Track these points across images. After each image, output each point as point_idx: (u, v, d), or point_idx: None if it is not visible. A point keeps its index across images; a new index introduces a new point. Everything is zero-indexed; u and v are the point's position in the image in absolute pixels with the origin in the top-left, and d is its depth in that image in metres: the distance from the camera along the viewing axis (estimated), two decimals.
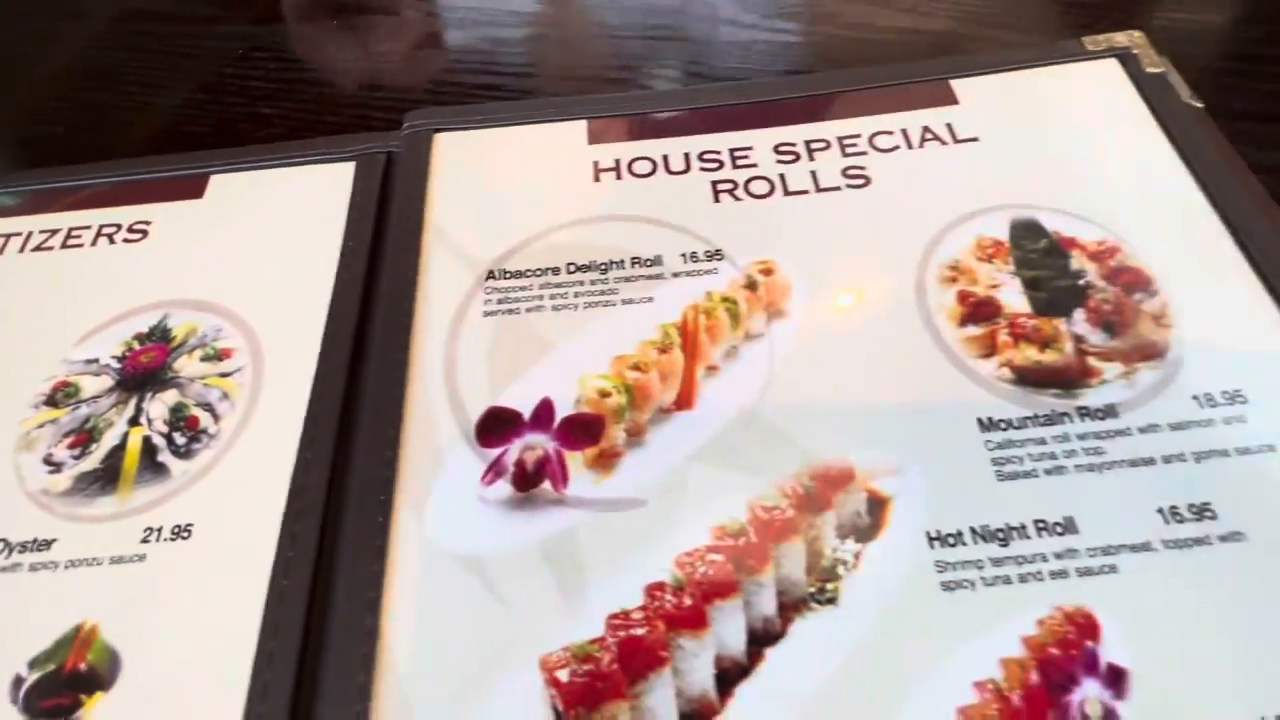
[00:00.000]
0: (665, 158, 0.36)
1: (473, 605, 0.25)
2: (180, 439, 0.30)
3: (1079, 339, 0.29)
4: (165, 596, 0.26)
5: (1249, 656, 0.23)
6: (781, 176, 0.35)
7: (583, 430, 0.28)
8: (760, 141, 0.36)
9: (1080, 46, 0.37)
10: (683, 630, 0.24)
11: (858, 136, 0.36)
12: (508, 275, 0.32)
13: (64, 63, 0.49)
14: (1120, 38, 0.37)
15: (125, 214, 0.36)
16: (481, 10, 0.49)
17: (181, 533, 0.27)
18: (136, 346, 0.32)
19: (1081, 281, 0.30)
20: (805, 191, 0.34)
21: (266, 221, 0.35)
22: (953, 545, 0.25)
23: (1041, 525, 0.25)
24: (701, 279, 0.32)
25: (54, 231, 0.36)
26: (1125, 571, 0.24)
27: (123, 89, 0.47)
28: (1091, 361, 0.29)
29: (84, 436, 0.30)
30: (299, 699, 0.24)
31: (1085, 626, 0.24)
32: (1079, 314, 0.30)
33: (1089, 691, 0.23)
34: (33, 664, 0.25)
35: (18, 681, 0.25)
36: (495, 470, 0.27)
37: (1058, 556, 0.25)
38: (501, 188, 0.35)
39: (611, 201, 0.34)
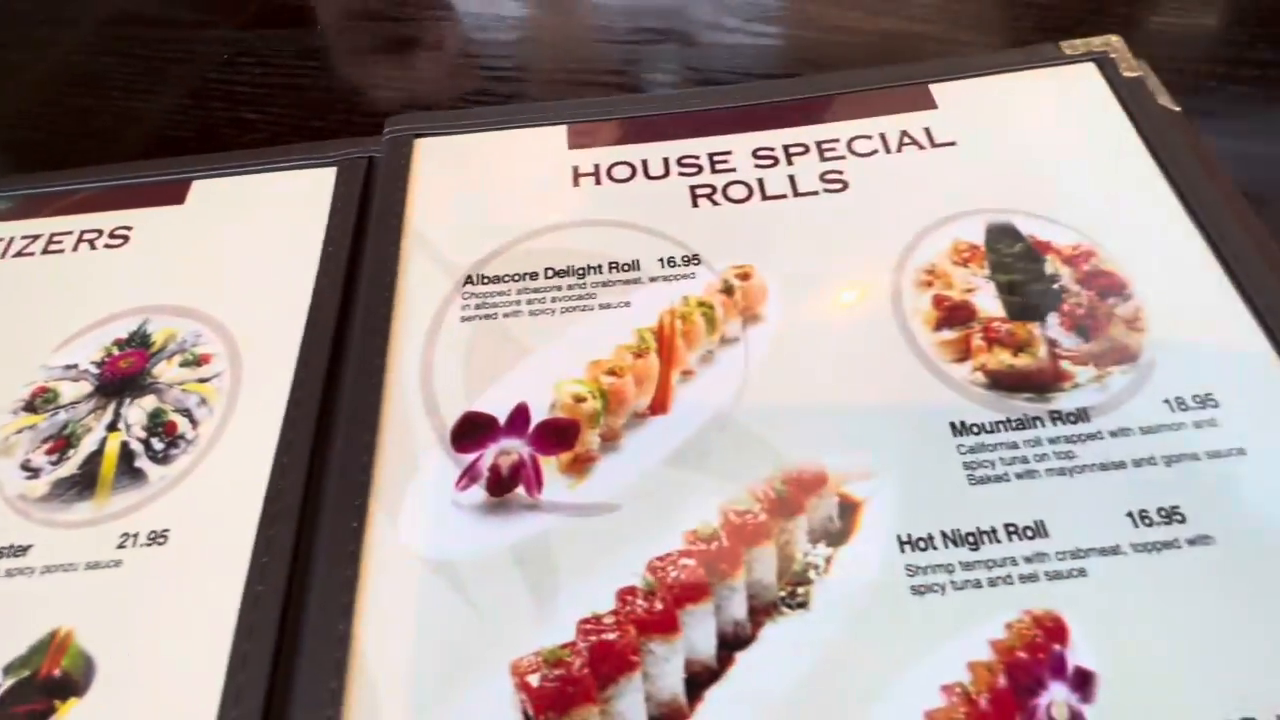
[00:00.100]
0: (644, 162, 0.36)
1: (445, 610, 0.25)
2: (158, 444, 0.30)
3: (1053, 343, 0.29)
4: (141, 602, 0.26)
5: (1215, 659, 0.23)
6: (760, 181, 0.35)
7: (557, 435, 0.28)
8: (739, 146, 0.36)
9: (1058, 51, 0.38)
10: (654, 634, 0.24)
11: (836, 141, 0.36)
12: (486, 280, 0.32)
13: (50, 68, 0.49)
14: (1098, 42, 0.37)
15: (107, 219, 0.36)
16: (465, 15, 0.49)
17: (158, 538, 0.27)
18: (116, 352, 0.32)
19: (1056, 286, 0.31)
20: (783, 196, 0.34)
21: (248, 226, 0.36)
22: (923, 549, 0.25)
23: (1012, 529, 0.25)
24: (679, 284, 0.32)
25: (35, 237, 0.36)
26: (1094, 575, 0.24)
27: (108, 94, 0.47)
28: (1065, 365, 0.29)
29: (62, 442, 0.30)
30: (272, 703, 0.24)
31: (1053, 630, 0.24)
32: (1053, 318, 0.30)
33: (1056, 695, 0.23)
34: (7, 670, 0.25)
35: None
36: (470, 475, 0.27)
37: (1027, 560, 0.25)
38: (481, 193, 0.35)
39: (590, 206, 0.34)
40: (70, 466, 0.29)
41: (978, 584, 0.25)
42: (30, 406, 0.31)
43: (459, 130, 0.38)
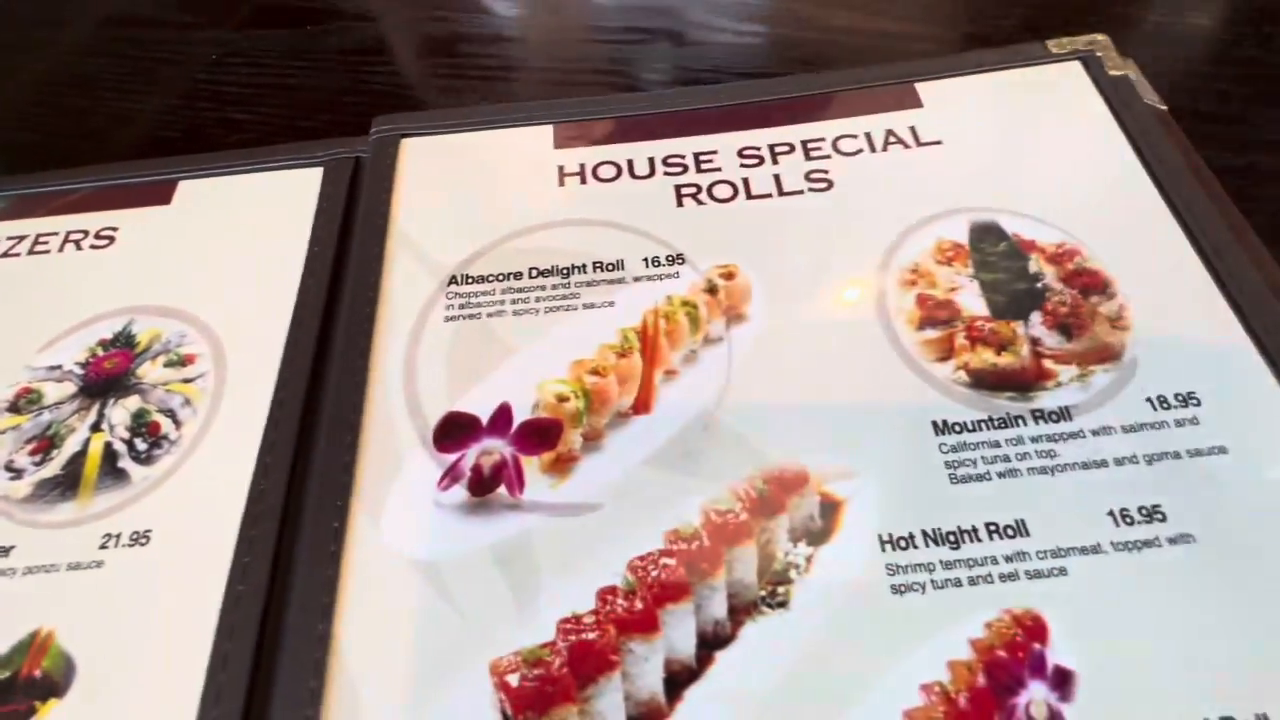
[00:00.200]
0: (630, 162, 0.36)
1: (426, 610, 0.25)
2: (141, 445, 0.30)
3: (1035, 342, 0.29)
4: (122, 603, 0.26)
5: (1195, 658, 0.23)
6: (745, 180, 0.35)
7: (540, 435, 0.28)
8: (724, 145, 0.36)
9: (1045, 50, 0.38)
10: (633, 634, 0.24)
11: (822, 140, 0.36)
12: (470, 280, 0.32)
13: (43, 69, 0.49)
14: (1084, 41, 0.37)
15: (93, 220, 0.36)
16: (451, 15, 0.49)
17: (140, 539, 0.27)
18: (100, 353, 0.32)
19: (1039, 284, 0.31)
20: (768, 195, 0.34)
21: (233, 227, 0.36)
22: (904, 548, 0.25)
23: (993, 528, 0.25)
24: (663, 283, 0.32)
25: (21, 238, 0.36)
26: (1074, 574, 0.24)
27: (98, 95, 0.47)
28: (1047, 364, 0.29)
29: (45, 443, 0.30)
30: (252, 703, 0.24)
31: (1033, 629, 0.24)
32: (1036, 317, 0.30)
33: (1035, 694, 0.23)
34: None
35: None
36: (452, 475, 0.27)
37: (1008, 559, 0.25)
38: (467, 192, 0.35)
39: (576, 206, 0.34)
40: (53, 467, 0.29)
41: (958, 583, 0.25)
42: (14, 407, 0.31)
43: (445, 130, 0.38)
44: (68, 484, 0.29)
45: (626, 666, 0.24)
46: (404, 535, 0.26)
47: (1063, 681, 0.23)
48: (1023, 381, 0.28)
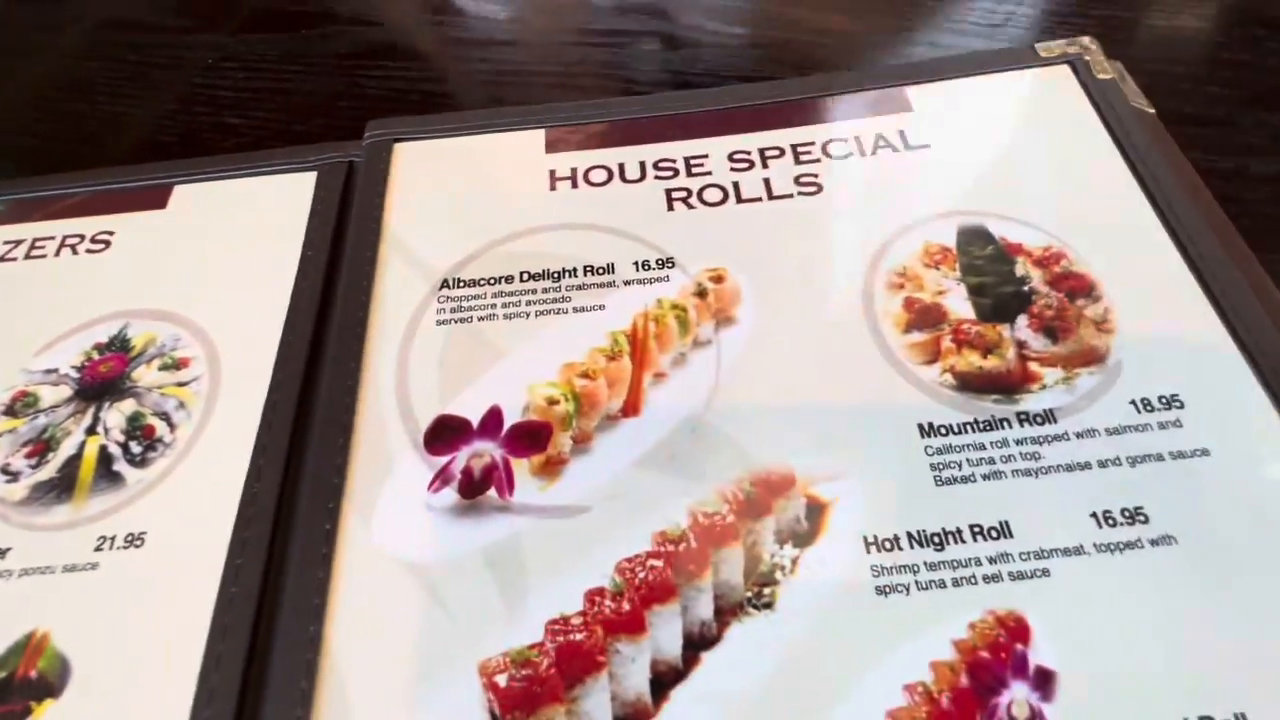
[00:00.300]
0: (621, 166, 0.36)
1: (416, 611, 0.25)
2: (136, 448, 0.30)
3: (1021, 345, 0.29)
4: (117, 604, 0.26)
5: (1175, 658, 0.23)
6: (735, 184, 0.35)
7: (530, 438, 0.28)
8: (715, 149, 0.36)
9: (1034, 53, 0.38)
10: (621, 635, 0.24)
11: (811, 144, 0.36)
12: (462, 284, 0.33)
13: (40, 73, 0.50)
14: (1073, 44, 0.38)
15: (89, 224, 0.37)
16: (446, 19, 0.50)
17: (134, 541, 0.28)
18: (95, 356, 0.32)
19: (1025, 287, 0.31)
20: (758, 199, 0.34)
21: (228, 231, 0.36)
22: (889, 550, 0.25)
23: (977, 530, 0.26)
24: (653, 287, 0.32)
25: (18, 242, 0.36)
26: (1057, 575, 0.25)
27: (95, 100, 0.47)
28: (1033, 367, 0.29)
29: (41, 446, 0.30)
30: (244, 704, 0.24)
31: (1016, 629, 0.24)
32: (1022, 320, 0.30)
33: (1017, 693, 0.23)
34: None
35: None
36: (442, 478, 0.28)
37: (991, 561, 0.25)
38: (458, 197, 0.36)
39: (567, 210, 0.35)
40: (49, 470, 0.30)
41: (942, 584, 0.25)
42: (10, 411, 0.31)
43: (438, 135, 0.38)
44: (63, 487, 0.29)
45: (613, 667, 0.24)
46: (395, 537, 0.27)
47: (1044, 681, 0.23)
48: (1008, 384, 0.29)
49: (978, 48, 0.44)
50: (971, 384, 0.29)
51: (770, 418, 0.28)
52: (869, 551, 0.25)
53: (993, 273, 0.31)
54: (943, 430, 0.28)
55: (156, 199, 0.37)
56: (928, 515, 0.26)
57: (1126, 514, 0.26)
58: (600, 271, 0.33)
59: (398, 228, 0.35)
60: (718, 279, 0.32)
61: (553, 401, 0.29)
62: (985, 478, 0.27)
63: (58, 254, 0.36)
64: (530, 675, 0.24)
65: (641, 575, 0.25)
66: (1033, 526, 0.26)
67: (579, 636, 0.24)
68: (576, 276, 0.32)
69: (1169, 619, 0.24)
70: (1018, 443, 0.27)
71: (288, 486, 0.28)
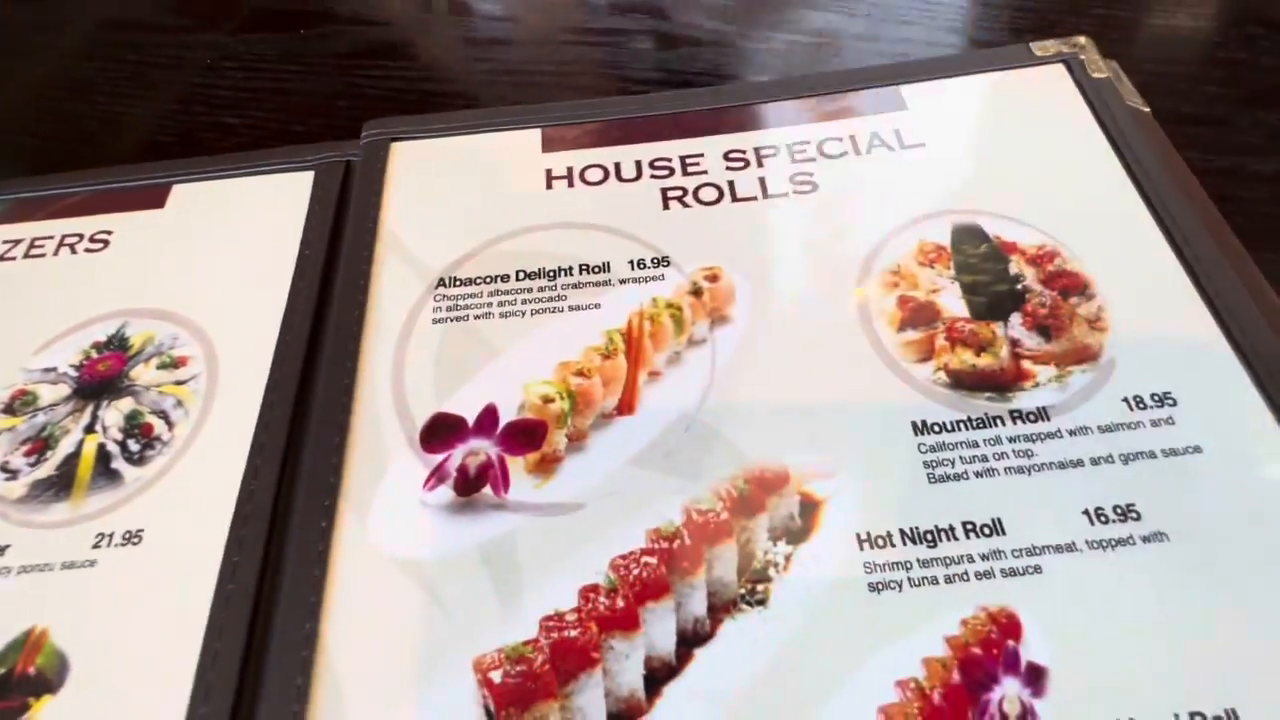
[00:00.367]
0: (617, 165, 0.36)
1: (411, 608, 0.25)
2: (134, 446, 0.30)
3: (1015, 343, 0.30)
4: (114, 601, 0.27)
5: (1166, 655, 0.23)
6: (730, 183, 0.35)
7: (525, 436, 0.28)
8: (711, 148, 0.36)
9: (1029, 52, 0.38)
10: (615, 631, 0.25)
11: (807, 143, 0.36)
12: (458, 283, 0.33)
13: (40, 74, 0.50)
14: (1068, 43, 0.38)
15: (87, 224, 0.37)
16: (442, 19, 0.50)
17: (132, 538, 0.28)
18: (94, 355, 0.33)
19: (1019, 286, 0.31)
20: (753, 198, 0.35)
21: (226, 230, 0.36)
22: (882, 547, 0.26)
23: (970, 527, 0.26)
24: (648, 286, 0.32)
25: (17, 242, 0.36)
26: (1049, 572, 0.25)
27: (94, 100, 0.47)
28: (1026, 365, 0.29)
29: (40, 444, 0.30)
30: (241, 700, 0.24)
31: (1008, 626, 0.24)
32: (1015, 318, 0.30)
33: (1008, 690, 0.23)
34: None
35: None
36: (438, 475, 0.28)
37: (984, 558, 0.25)
38: (455, 196, 0.36)
39: (563, 209, 0.35)
40: (48, 468, 0.30)
41: (934, 581, 0.25)
42: (9, 409, 0.31)
43: (435, 134, 0.38)
44: (61, 484, 0.29)
45: (607, 663, 0.24)
46: (391, 535, 0.27)
47: (1036, 678, 0.23)
48: (1002, 382, 0.29)
49: (972, 47, 0.44)
50: (965, 382, 0.29)
51: (764, 416, 0.29)
52: (862, 548, 0.26)
53: (987, 271, 0.31)
54: (936, 428, 0.28)
55: (155, 198, 0.37)
56: (921, 512, 0.26)
57: (1119, 511, 0.26)
58: (596, 270, 0.33)
59: (394, 227, 0.35)
60: (713, 278, 0.32)
61: (548, 400, 0.29)
62: (978, 475, 0.27)
63: (56, 253, 0.36)
64: (525, 671, 0.24)
65: (636, 572, 0.25)
66: (1025, 523, 0.26)
67: (573, 633, 0.24)
68: (572, 275, 0.33)
69: (1160, 616, 0.24)
70: (1011, 440, 0.27)
71: (284, 484, 0.29)
